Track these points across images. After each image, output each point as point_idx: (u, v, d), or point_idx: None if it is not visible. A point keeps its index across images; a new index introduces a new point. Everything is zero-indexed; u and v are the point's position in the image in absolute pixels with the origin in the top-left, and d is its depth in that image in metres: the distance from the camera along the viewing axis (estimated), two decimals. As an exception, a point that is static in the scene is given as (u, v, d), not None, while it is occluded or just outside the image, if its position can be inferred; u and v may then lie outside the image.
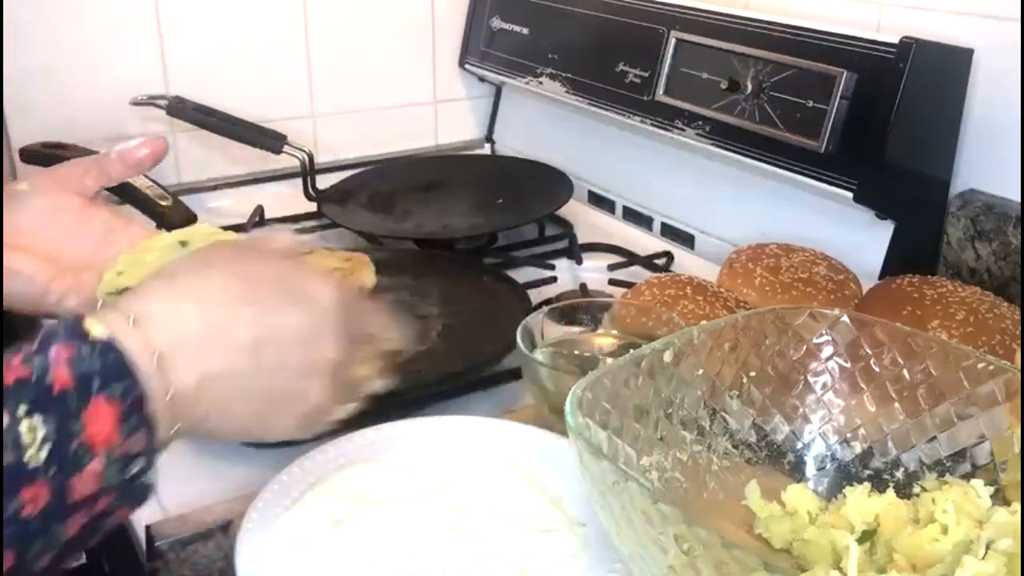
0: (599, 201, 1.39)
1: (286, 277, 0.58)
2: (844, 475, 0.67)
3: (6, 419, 0.44)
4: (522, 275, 1.10)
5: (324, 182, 1.34)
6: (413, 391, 0.84)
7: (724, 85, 1.08)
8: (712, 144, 1.11)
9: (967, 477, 0.60)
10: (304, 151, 1.31)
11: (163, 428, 0.50)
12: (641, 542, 0.49)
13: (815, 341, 0.68)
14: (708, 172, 1.20)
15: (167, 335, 0.51)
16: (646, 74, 1.20)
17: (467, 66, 1.55)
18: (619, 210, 1.36)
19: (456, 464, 0.69)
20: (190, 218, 1.18)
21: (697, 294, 0.90)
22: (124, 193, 1.19)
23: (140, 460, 0.49)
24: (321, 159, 1.40)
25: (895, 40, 0.94)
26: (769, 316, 0.68)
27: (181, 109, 1.30)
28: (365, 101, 1.50)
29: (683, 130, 1.14)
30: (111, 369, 0.47)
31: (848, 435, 0.67)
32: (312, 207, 1.30)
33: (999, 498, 0.59)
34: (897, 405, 0.66)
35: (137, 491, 0.50)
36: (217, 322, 0.53)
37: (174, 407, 0.51)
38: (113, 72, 1.29)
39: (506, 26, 1.46)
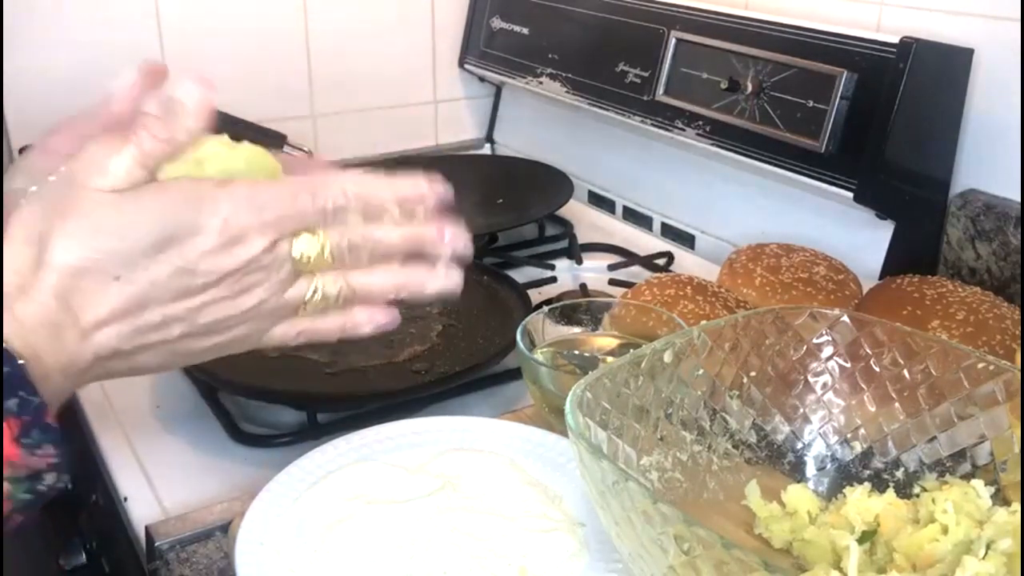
0: (599, 201, 1.39)
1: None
2: (844, 475, 0.67)
3: None
4: (522, 275, 1.10)
5: (324, 182, 1.33)
6: (413, 391, 0.84)
7: (724, 85, 1.08)
8: (712, 144, 1.11)
9: (967, 477, 0.60)
10: (304, 151, 1.30)
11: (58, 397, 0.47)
12: (641, 542, 0.49)
13: (815, 341, 0.68)
14: (708, 172, 1.20)
15: (83, 310, 0.47)
16: (646, 74, 1.20)
17: (467, 66, 1.55)
18: (619, 210, 1.36)
19: (456, 464, 0.69)
20: None
21: (697, 294, 0.90)
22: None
23: (50, 475, 0.45)
24: (321, 159, 1.40)
25: (895, 40, 0.94)
26: (769, 316, 0.68)
27: (181, 109, 1.29)
28: (365, 101, 1.50)
29: (683, 130, 1.14)
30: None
31: (848, 435, 0.67)
32: (312, 207, 1.30)
33: (999, 498, 0.59)
34: (897, 405, 0.66)
35: (46, 495, 0.46)
36: (129, 301, 0.48)
37: (69, 376, 0.47)
38: (113, 72, 1.29)
39: (506, 26, 1.46)
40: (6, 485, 0.44)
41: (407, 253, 0.56)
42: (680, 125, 1.15)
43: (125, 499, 0.75)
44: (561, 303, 0.83)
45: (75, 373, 0.48)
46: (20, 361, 0.45)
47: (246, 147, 0.57)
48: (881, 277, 0.99)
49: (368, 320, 0.56)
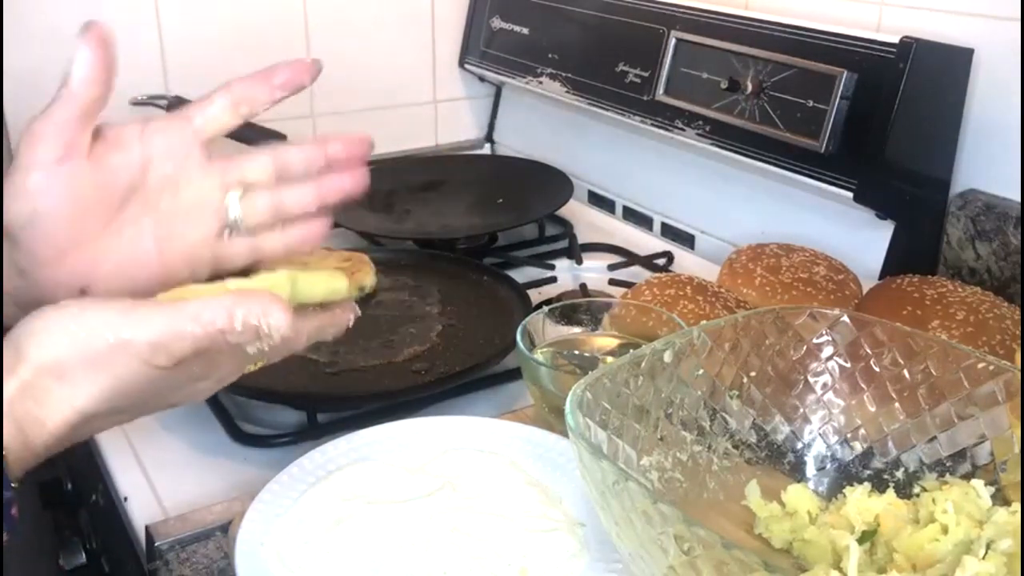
0: (599, 201, 1.39)
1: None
2: (844, 475, 0.67)
3: None
4: (522, 275, 1.10)
5: (324, 182, 1.33)
6: (413, 391, 0.84)
7: (724, 85, 1.08)
8: (712, 144, 1.11)
9: (967, 477, 0.60)
10: (304, 151, 1.30)
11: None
12: (641, 542, 0.49)
13: (815, 341, 0.68)
14: (708, 172, 1.20)
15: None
16: (646, 74, 1.20)
17: (467, 66, 1.55)
18: (619, 210, 1.36)
19: (456, 464, 0.69)
20: None
21: (697, 294, 0.90)
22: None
23: None
24: (321, 159, 1.40)
25: (895, 40, 0.94)
26: (769, 316, 0.68)
27: (181, 109, 1.30)
28: (365, 101, 1.50)
29: (683, 130, 1.14)
30: None
31: (848, 435, 0.67)
32: (312, 207, 1.30)
33: (999, 498, 0.59)
34: (897, 405, 0.66)
35: None
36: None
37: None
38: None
39: (506, 26, 1.46)
40: None
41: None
42: (680, 125, 1.15)
43: (125, 499, 0.75)
44: (561, 303, 0.83)
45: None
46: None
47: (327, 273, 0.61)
48: (881, 277, 0.99)
49: (305, 235, 0.60)
